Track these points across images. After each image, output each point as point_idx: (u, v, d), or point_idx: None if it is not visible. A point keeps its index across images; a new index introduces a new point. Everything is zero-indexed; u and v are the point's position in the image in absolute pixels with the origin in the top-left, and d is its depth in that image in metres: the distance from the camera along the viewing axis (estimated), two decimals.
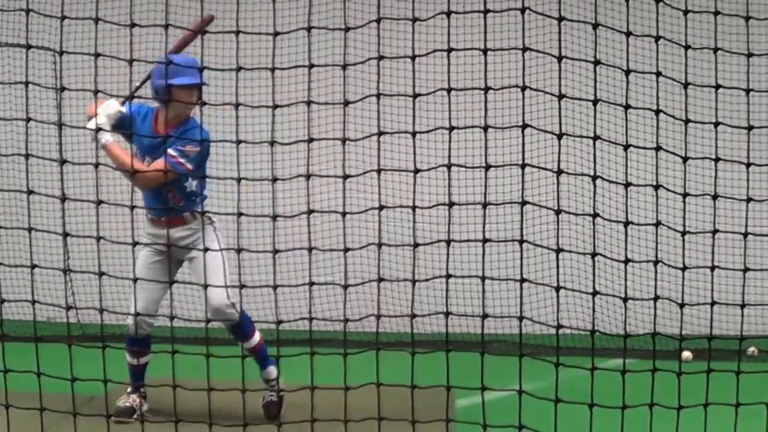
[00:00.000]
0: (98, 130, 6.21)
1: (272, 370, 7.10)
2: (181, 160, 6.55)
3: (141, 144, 6.74)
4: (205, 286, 5.84)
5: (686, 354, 8.55)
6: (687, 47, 4.95)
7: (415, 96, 4.79)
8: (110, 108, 6.43)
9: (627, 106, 4.90)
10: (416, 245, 4.96)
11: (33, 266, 5.08)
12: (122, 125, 6.61)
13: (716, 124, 5.11)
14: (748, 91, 5.12)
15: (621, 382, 4.86)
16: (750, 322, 7.12)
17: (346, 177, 4.89)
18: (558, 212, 4.94)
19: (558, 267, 4.87)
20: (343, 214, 4.84)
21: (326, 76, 8.13)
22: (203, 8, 4.88)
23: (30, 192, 5.05)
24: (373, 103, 4.85)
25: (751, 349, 9.46)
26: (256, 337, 7.07)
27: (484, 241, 4.90)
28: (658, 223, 5.02)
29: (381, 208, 4.91)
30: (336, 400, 4.99)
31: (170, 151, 6.50)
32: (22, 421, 5.26)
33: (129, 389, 7.09)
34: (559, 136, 4.85)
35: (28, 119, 5.03)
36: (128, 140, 6.77)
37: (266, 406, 7.08)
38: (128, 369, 7.05)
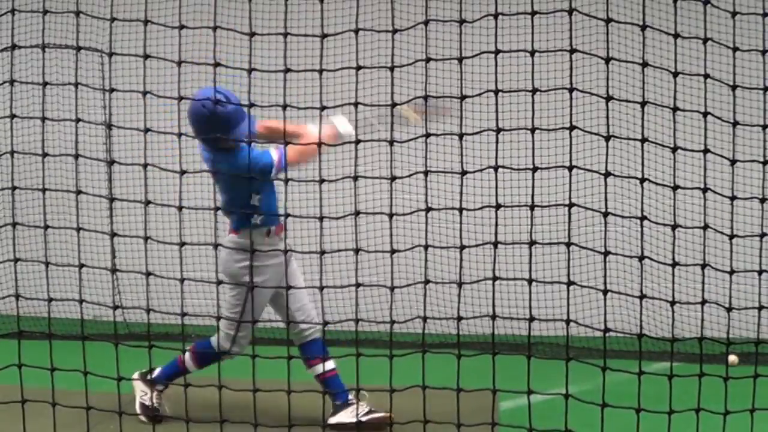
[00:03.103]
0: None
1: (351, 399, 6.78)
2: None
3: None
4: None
5: (732, 358, 8.47)
6: (735, 49, 4.92)
7: (462, 98, 4.79)
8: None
9: (675, 109, 4.87)
10: (463, 247, 4.95)
11: (81, 266, 5.11)
12: None
13: (764, 127, 5.07)
14: None
15: (666, 386, 4.83)
16: None
17: (393, 179, 4.89)
18: (605, 215, 4.91)
19: (605, 270, 4.85)
20: (390, 215, 4.83)
21: (374, 77, 8.15)
22: (251, 10, 4.89)
23: (79, 192, 5.08)
24: (421, 105, 4.85)
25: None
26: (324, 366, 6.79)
27: (531, 243, 4.89)
28: (705, 227, 4.99)
29: (428, 209, 4.90)
30: (381, 402, 5.00)
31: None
32: (69, 419, 5.30)
33: (160, 387, 6.94)
34: (607, 138, 4.83)
35: (78, 120, 5.06)
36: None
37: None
38: (177, 370, 6.92)
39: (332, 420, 6.61)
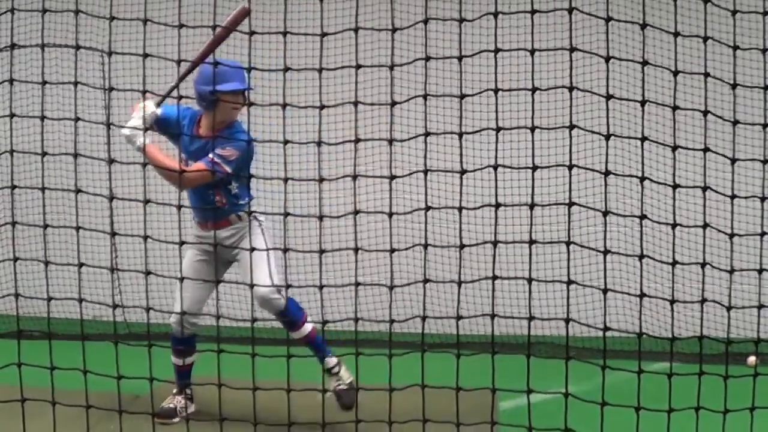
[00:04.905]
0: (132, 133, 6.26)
1: (332, 359, 6.99)
2: (218, 161, 6.44)
3: (185, 147, 6.69)
4: (251, 285, 5.78)
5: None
6: (735, 48, 4.91)
7: (462, 97, 4.78)
8: (146, 109, 6.36)
9: (675, 107, 4.87)
10: (462, 246, 4.94)
11: (80, 264, 5.11)
12: (164, 126, 6.59)
13: (765, 126, 5.07)
14: None
15: (666, 385, 4.83)
16: None
17: (392, 177, 4.89)
18: (605, 214, 4.91)
19: (605, 269, 4.85)
20: (390, 214, 4.83)
21: (373, 76, 8.14)
22: (251, 9, 4.89)
23: (78, 191, 5.08)
24: (420, 104, 4.84)
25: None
26: (308, 326, 6.88)
27: (531, 242, 4.88)
28: (705, 226, 4.99)
29: (427, 208, 4.90)
30: (381, 400, 4.99)
31: (210, 154, 6.43)
32: (68, 419, 5.29)
33: (174, 390, 7.07)
34: (607, 137, 4.83)
35: (77, 119, 5.06)
36: (174, 142, 6.74)
37: (338, 393, 6.95)
38: (174, 369, 7.03)
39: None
